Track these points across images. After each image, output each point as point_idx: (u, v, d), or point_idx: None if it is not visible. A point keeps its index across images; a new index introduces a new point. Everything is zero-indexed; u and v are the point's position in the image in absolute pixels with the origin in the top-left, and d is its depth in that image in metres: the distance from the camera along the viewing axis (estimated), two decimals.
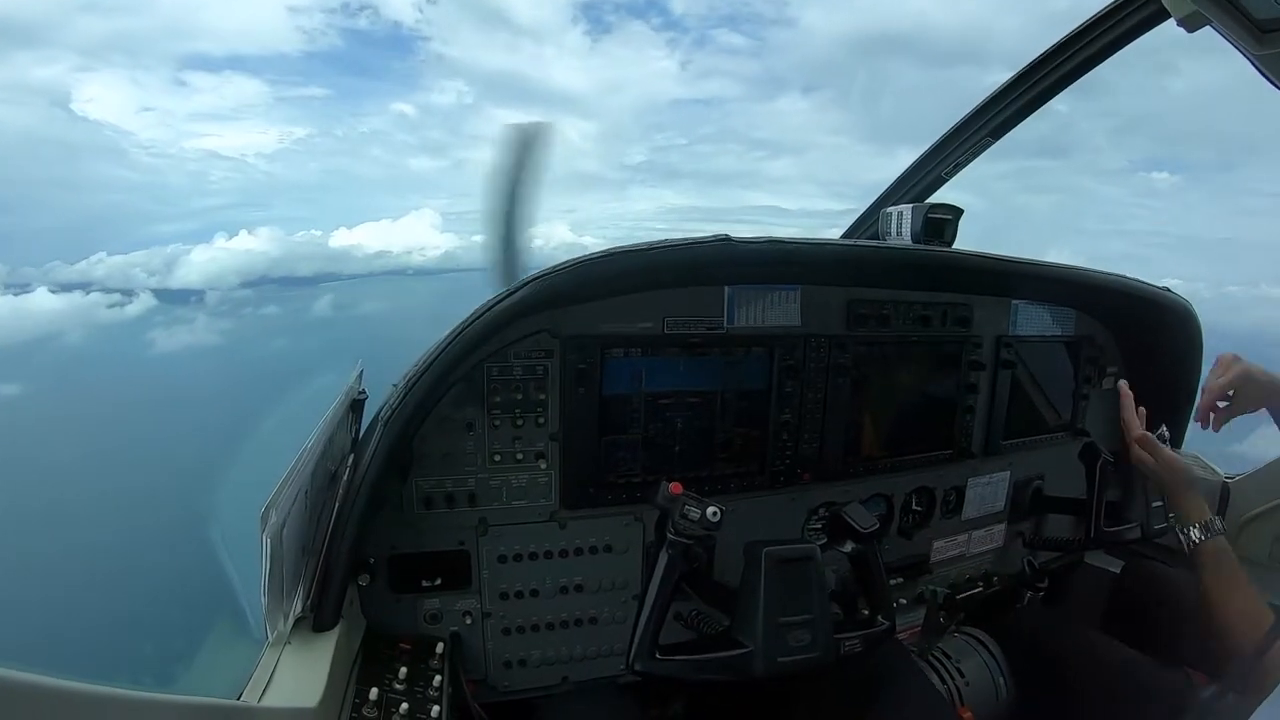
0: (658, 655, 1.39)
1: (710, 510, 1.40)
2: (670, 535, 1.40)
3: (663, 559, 1.41)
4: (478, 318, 1.49)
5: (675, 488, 1.42)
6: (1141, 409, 2.07)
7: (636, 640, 1.39)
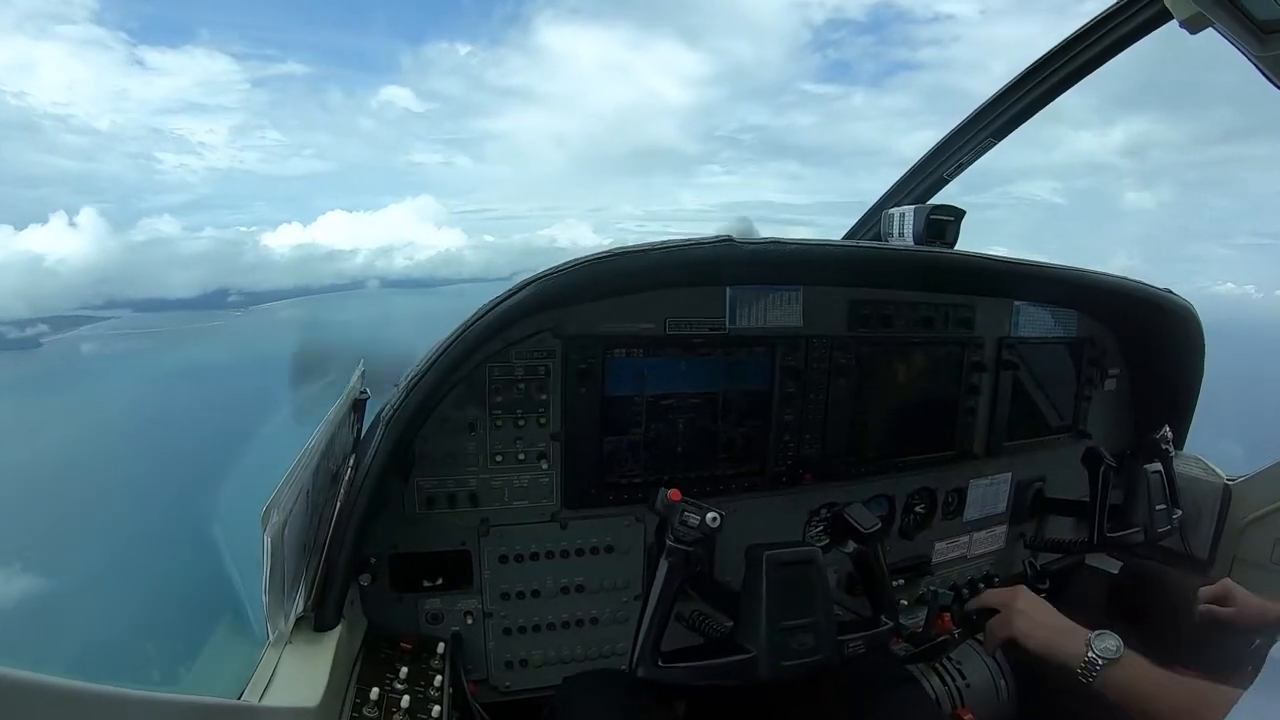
0: (660, 662, 1.38)
1: (710, 516, 1.38)
2: (670, 542, 1.38)
3: (663, 566, 1.39)
4: (479, 318, 1.48)
5: (674, 494, 1.40)
6: None
7: (639, 647, 1.38)
